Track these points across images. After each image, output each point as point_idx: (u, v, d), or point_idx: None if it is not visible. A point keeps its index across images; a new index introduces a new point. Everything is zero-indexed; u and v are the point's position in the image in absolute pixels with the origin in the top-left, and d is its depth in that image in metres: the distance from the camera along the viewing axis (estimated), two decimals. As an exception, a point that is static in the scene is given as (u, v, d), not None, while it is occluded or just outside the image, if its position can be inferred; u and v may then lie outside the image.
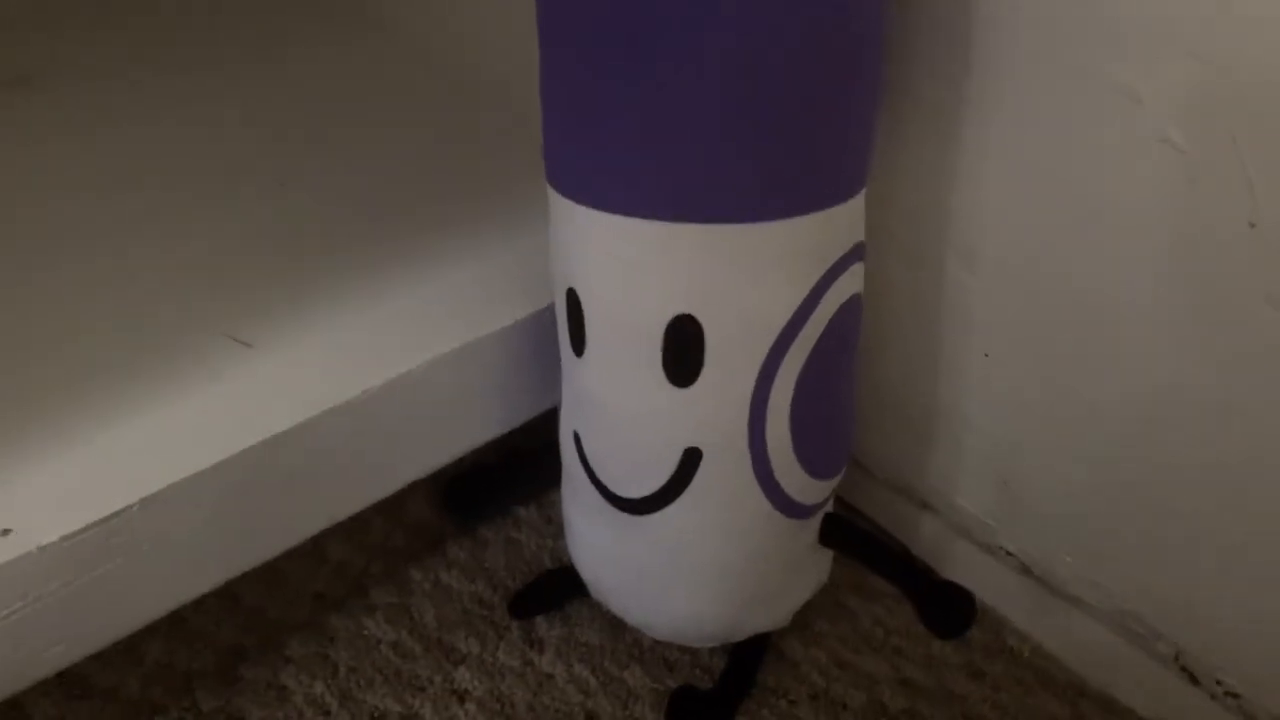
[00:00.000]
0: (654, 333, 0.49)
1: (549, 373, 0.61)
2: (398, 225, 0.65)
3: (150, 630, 0.54)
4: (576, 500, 0.58)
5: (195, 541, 0.49)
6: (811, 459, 0.53)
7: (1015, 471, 0.61)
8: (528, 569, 0.65)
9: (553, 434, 0.60)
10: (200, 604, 0.55)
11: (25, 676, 0.47)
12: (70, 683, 0.52)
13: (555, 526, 0.68)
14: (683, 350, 0.49)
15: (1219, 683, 0.56)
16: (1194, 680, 0.57)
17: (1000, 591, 0.64)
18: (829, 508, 0.58)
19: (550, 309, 0.60)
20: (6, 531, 0.45)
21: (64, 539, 0.45)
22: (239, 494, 0.50)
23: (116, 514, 0.46)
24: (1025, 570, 0.63)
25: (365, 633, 0.61)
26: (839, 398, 0.54)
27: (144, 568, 0.48)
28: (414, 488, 0.62)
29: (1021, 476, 0.61)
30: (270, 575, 0.58)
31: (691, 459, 0.51)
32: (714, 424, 0.51)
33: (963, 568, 0.66)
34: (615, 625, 0.62)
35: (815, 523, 0.57)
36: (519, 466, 0.65)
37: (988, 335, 0.59)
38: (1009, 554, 0.63)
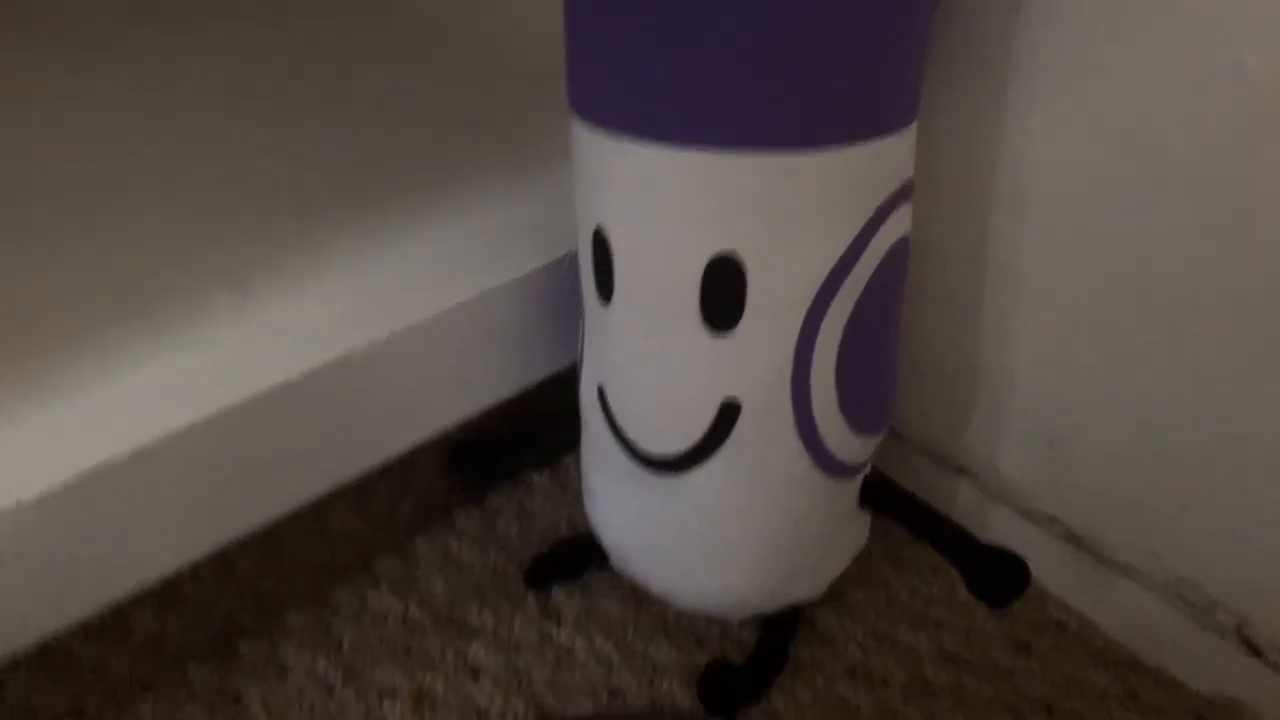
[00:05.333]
0: (691, 275, 0.45)
1: (566, 327, 0.57)
2: (404, 173, 0.60)
3: (139, 601, 0.50)
4: (599, 462, 0.54)
5: (189, 501, 0.45)
6: (857, 412, 0.49)
7: (1063, 433, 0.57)
8: (542, 539, 0.61)
9: (568, 396, 0.56)
10: (194, 574, 0.52)
11: (5, 647, 0.43)
12: (52, 658, 0.48)
13: (571, 494, 0.64)
14: (723, 293, 0.45)
15: (1284, 653, 0.53)
16: (1256, 651, 0.54)
17: (1044, 561, 0.60)
18: (869, 470, 0.54)
19: (567, 258, 0.56)
20: (-24, 490, 0.41)
21: (45, 494, 0.41)
22: (235, 450, 0.46)
23: (104, 467, 0.42)
24: (1071, 538, 0.59)
25: (370, 606, 0.57)
26: (886, 347, 0.50)
27: (134, 528, 0.44)
28: (421, 453, 0.58)
29: (1070, 438, 0.57)
30: (269, 545, 0.54)
31: (729, 412, 0.47)
32: (755, 374, 0.47)
33: (1002, 537, 0.62)
34: (638, 597, 0.58)
35: (856, 484, 0.53)
36: (532, 430, 0.61)
37: (1036, 288, 0.55)
38: (1054, 520, 0.59)
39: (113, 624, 0.49)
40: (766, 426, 0.48)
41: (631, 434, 0.50)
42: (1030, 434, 0.59)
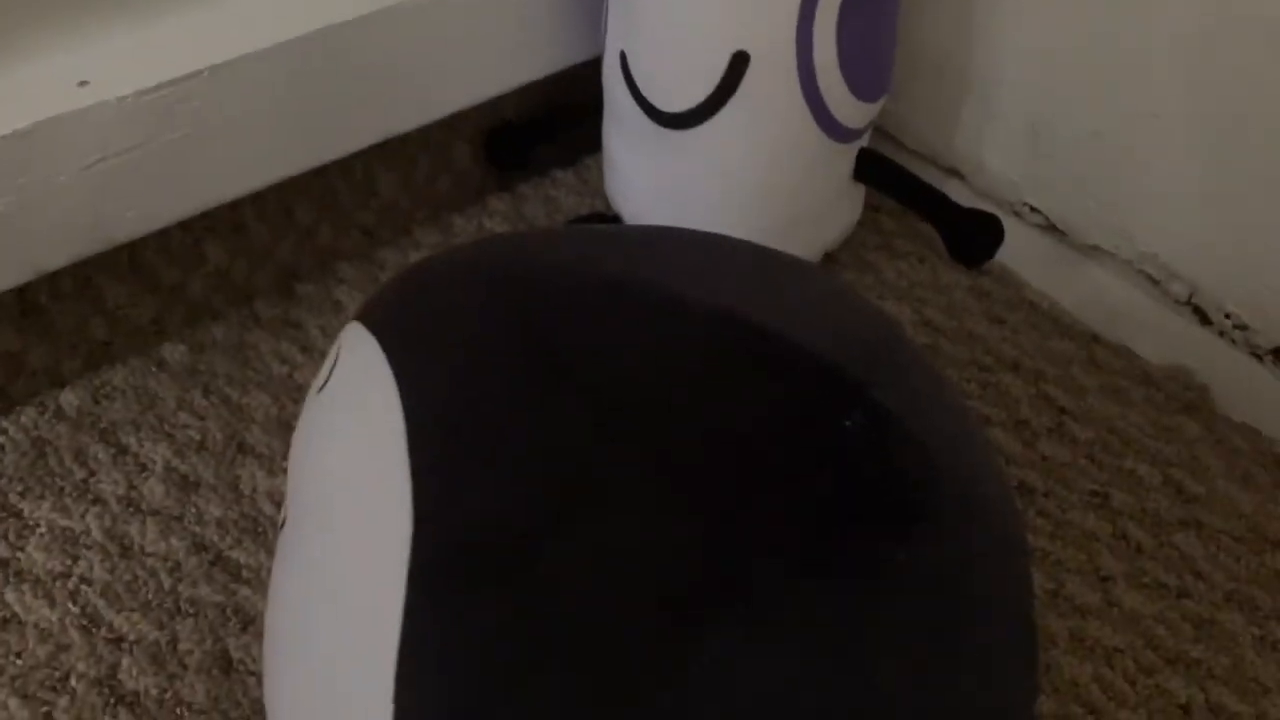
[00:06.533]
0: (708, -77, 0.50)
1: (590, 17, 0.62)
2: None
3: (212, 233, 0.57)
4: (619, 129, 0.60)
5: (260, 125, 0.51)
6: (855, 76, 0.55)
7: (1045, 121, 0.62)
8: (564, 221, 0.68)
9: (592, 90, 0.61)
10: (260, 215, 0.58)
11: (103, 237, 0.50)
12: (141, 272, 0.55)
13: (591, 189, 0.70)
14: (736, -58, 0.50)
15: (1228, 316, 0.59)
16: (1205, 320, 0.60)
17: (1023, 253, 0.66)
18: (865, 142, 0.60)
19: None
20: (84, 83, 0.47)
21: (139, 94, 0.47)
22: (302, 80, 0.52)
23: (188, 77, 0.48)
24: (1048, 227, 0.65)
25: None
26: (884, 18, 0.55)
27: (212, 142, 0.50)
28: (458, 133, 0.64)
29: (1051, 126, 0.62)
30: (324, 197, 0.60)
31: (739, 64, 0.53)
32: (763, 27, 0.52)
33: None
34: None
35: (852, 153, 0.59)
36: (558, 119, 0.67)
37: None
38: (1033, 210, 0.65)
39: (191, 252, 0.56)
40: (772, 79, 0.53)
41: (649, 93, 0.56)
42: (1015, 125, 0.64)
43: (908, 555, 0.28)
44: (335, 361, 0.33)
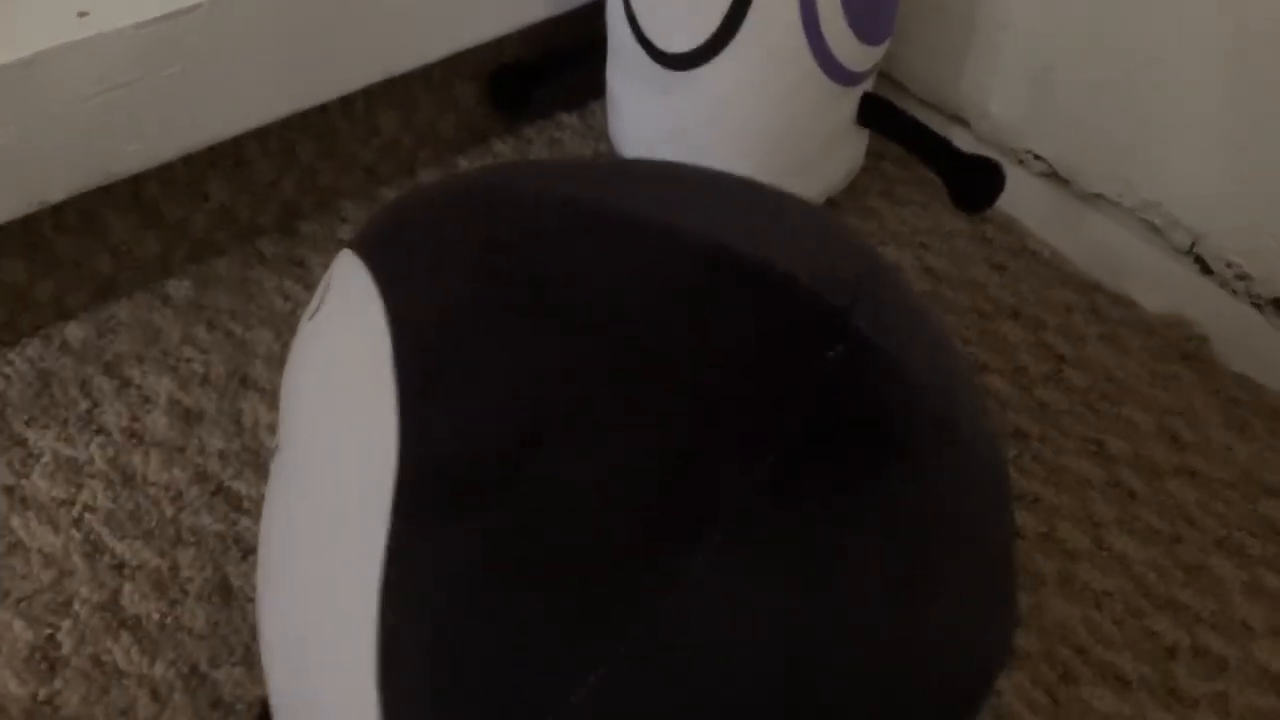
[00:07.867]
0: None
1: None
2: None
3: (215, 170, 0.57)
4: (622, 69, 0.59)
5: (259, 60, 0.52)
6: (858, 19, 0.54)
7: (1050, 66, 0.62)
8: (569, 167, 0.68)
9: (596, 34, 0.61)
10: (263, 153, 0.58)
11: (105, 171, 0.50)
12: (144, 210, 0.55)
13: (597, 133, 0.70)
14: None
15: (1229, 266, 0.59)
16: (1206, 269, 0.60)
17: (1025, 201, 0.66)
18: (869, 87, 0.60)
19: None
20: (83, 14, 0.47)
21: (138, 26, 0.47)
22: (301, 16, 0.52)
23: (187, 10, 0.48)
24: (1051, 174, 0.65)
25: (415, 205, 0.64)
26: (888, -44, 0.55)
27: (212, 76, 0.50)
28: (461, 74, 0.64)
29: (1055, 70, 0.62)
30: (326, 137, 0.60)
31: (741, 4, 0.52)
32: (765, -35, 0.52)
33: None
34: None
35: (855, 96, 0.59)
36: (562, 61, 0.66)
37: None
38: (1037, 158, 0.65)
39: (194, 188, 0.56)
40: (774, 21, 0.53)
41: (651, 34, 0.56)
42: (1019, 71, 0.63)
43: (884, 486, 0.29)
44: (326, 289, 0.34)
